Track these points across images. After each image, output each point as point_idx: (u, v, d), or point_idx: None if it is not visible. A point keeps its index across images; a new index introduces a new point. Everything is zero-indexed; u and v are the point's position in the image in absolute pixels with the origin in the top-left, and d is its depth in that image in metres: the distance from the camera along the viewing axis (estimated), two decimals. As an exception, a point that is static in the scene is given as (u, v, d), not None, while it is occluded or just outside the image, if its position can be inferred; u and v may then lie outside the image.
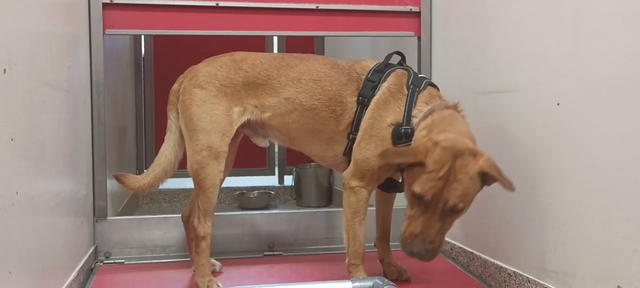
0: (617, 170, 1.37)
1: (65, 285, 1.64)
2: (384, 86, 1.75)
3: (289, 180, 4.14)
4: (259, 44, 4.05)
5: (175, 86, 1.91)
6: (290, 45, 4.21)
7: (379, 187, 1.78)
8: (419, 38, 2.41)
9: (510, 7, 1.83)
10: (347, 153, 1.80)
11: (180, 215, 2.05)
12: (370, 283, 1.58)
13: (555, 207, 1.60)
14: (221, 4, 2.25)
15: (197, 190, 1.81)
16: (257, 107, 1.84)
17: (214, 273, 1.97)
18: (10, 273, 1.17)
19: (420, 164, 1.49)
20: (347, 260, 1.80)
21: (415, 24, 2.40)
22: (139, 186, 1.91)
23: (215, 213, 1.86)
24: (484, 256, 1.99)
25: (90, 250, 2.08)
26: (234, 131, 1.82)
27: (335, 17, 2.35)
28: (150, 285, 1.91)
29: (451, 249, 2.24)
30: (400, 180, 1.76)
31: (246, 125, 1.87)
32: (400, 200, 1.76)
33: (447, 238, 2.24)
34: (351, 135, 1.77)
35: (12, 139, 1.20)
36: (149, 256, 2.22)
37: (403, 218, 1.57)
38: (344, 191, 1.78)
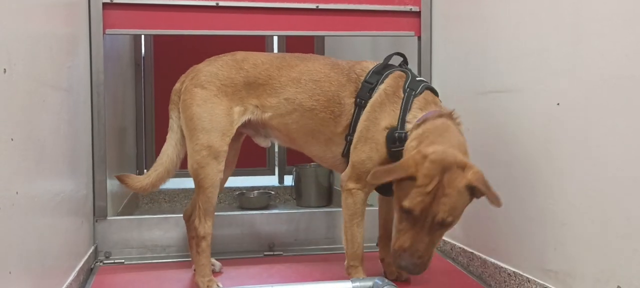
0: (617, 170, 1.37)
1: (65, 285, 1.64)
2: (380, 88, 1.74)
3: (289, 180, 4.14)
4: (259, 44, 4.05)
5: (177, 85, 1.91)
6: (290, 45, 4.20)
7: (377, 190, 1.77)
8: (419, 38, 2.41)
9: (510, 7, 1.83)
10: (346, 154, 1.80)
11: (180, 215, 2.05)
12: (370, 283, 1.59)
13: (555, 207, 1.60)
14: (221, 3, 2.25)
15: (198, 189, 1.81)
16: (257, 107, 1.85)
17: (214, 273, 1.97)
18: (10, 273, 1.17)
19: (411, 178, 1.48)
20: (346, 262, 1.80)
21: (416, 24, 2.40)
22: (141, 186, 1.91)
23: (216, 213, 1.86)
24: (484, 256, 1.99)
25: (90, 250, 2.08)
26: (234, 131, 1.82)
27: (335, 17, 2.35)
28: (150, 285, 1.91)
29: (451, 249, 2.24)
30: None
31: (247, 125, 1.87)
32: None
33: (447, 238, 2.24)
34: (348, 137, 1.77)
35: (12, 139, 1.20)
36: (149, 256, 2.22)
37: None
38: (342, 193, 1.78)
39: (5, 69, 1.16)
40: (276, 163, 4.35)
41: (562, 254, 1.58)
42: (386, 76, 1.76)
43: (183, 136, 1.87)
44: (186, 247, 2.09)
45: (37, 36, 1.44)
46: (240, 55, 1.90)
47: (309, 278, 1.96)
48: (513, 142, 1.80)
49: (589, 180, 1.47)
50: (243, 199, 3.82)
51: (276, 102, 1.83)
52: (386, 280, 1.59)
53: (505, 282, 1.83)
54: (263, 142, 1.99)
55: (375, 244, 1.98)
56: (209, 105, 1.80)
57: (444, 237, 2.01)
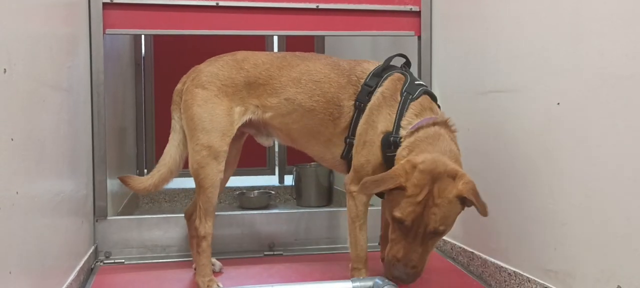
0: (617, 170, 1.37)
1: (65, 285, 1.64)
2: (378, 91, 1.72)
3: (289, 180, 4.14)
4: (259, 44, 4.05)
5: (179, 86, 1.91)
6: (291, 44, 4.21)
7: (376, 193, 1.76)
8: (419, 38, 2.41)
9: (510, 6, 1.83)
10: (345, 156, 1.79)
11: (180, 215, 2.05)
12: (370, 283, 1.58)
13: (555, 207, 1.60)
14: (221, 3, 2.25)
15: (198, 189, 1.81)
16: (258, 107, 1.84)
17: (214, 273, 1.97)
18: (10, 273, 1.17)
19: (401, 188, 1.47)
20: (350, 265, 1.80)
21: (416, 24, 2.40)
22: (144, 187, 1.91)
23: (216, 213, 1.86)
24: (484, 256, 1.99)
25: (91, 250, 2.08)
26: (234, 131, 1.82)
27: (335, 17, 2.35)
28: (150, 285, 1.91)
29: (451, 249, 2.24)
30: None
31: (249, 124, 1.87)
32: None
33: (447, 238, 2.24)
34: (348, 140, 1.76)
35: (12, 139, 1.20)
36: (149, 256, 2.22)
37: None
38: (346, 195, 1.78)
39: (5, 69, 1.16)
40: (276, 163, 4.36)
41: (562, 254, 1.58)
42: (385, 78, 1.74)
43: (185, 136, 1.87)
44: (186, 246, 2.09)
45: (37, 36, 1.44)
46: (240, 55, 1.90)
47: (309, 278, 1.96)
48: (513, 142, 1.80)
49: (589, 180, 1.46)
50: (243, 199, 3.82)
51: (277, 102, 1.83)
52: (386, 280, 1.58)
53: (505, 281, 1.83)
54: (265, 142, 2.00)
55: (377, 243, 1.98)
56: (209, 106, 1.80)
57: (444, 237, 2.00)
